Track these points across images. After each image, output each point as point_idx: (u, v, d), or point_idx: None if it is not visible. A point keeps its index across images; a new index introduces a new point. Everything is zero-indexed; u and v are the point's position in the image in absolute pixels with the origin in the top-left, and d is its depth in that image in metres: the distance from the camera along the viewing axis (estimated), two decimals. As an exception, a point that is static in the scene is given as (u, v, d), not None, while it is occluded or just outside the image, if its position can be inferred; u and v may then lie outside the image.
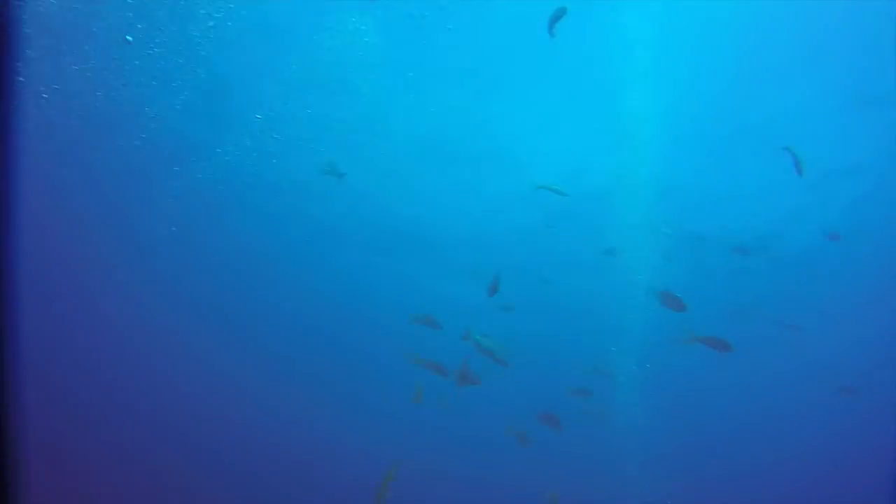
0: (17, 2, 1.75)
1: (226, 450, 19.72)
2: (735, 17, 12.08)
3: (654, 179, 15.49)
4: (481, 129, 15.93)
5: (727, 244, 15.28)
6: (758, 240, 15.52)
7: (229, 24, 13.71)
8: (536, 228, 17.44)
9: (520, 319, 17.70)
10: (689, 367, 18.22)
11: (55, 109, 15.14)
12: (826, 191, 14.66)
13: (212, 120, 15.60)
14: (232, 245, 20.11)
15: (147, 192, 17.83)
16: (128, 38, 13.55)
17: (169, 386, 20.86)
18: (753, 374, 18.07)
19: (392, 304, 20.41)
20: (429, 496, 18.94)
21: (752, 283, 16.92)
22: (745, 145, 14.45)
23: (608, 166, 15.61)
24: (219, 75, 14.53)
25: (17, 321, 1.65)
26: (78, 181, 17.36)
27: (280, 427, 20.97)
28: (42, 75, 13.87)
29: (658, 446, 19.88)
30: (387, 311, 20.73)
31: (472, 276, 18.08)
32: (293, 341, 22.21)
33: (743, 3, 11.95)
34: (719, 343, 9.87)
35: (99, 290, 19.97)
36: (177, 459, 18.32)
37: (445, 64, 14.59)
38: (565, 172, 15.39)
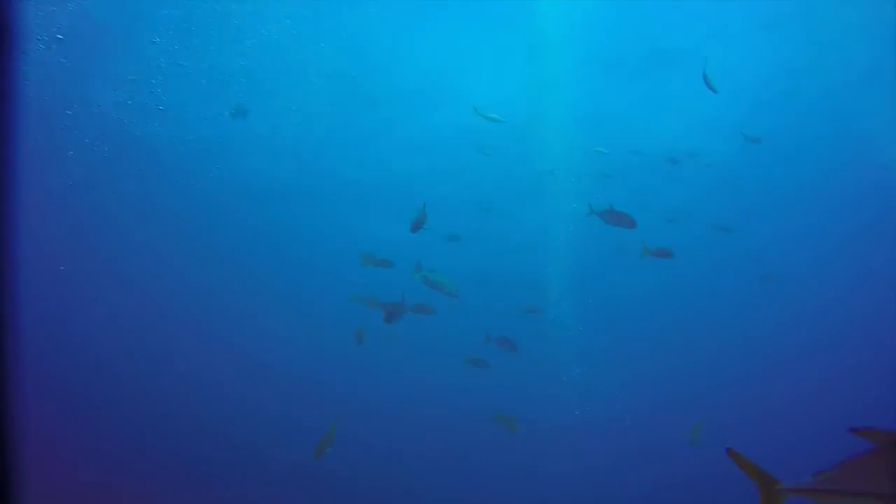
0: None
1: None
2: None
3: (580, 103, 15.78)
4: (400, 67, 15.62)
5: (659, 156, 15.89)
6: (686, 150, 16.22)
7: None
8: (470, 159, 17.50)
9: (466, 248, 18.00)
10: (632, 275, 19.18)
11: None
12: (743, 101, 15.40)
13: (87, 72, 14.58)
14: (159, 209, 19.35)
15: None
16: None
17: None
18: (689, 274, 19.20)
19: (334, 250, 20.27)
20: (382, 426, 19.46)
21: (684, 191, 17.80)
22: (664, 67, 14.91)
23: (535, 94, 15.72)
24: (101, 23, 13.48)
25: (17, 316, 1.60)
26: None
27: (241, 378, 20.95)
28: None
29: (605, 353, 21.06)
30: (329, 258, 20.61)
31: (412, 212, 18.02)
32: (238, 295, 21.91)
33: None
34: (665, 252, 10.39)
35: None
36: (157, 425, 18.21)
37: (350, 7, 14.07)
38: (493, 103, 15.36)
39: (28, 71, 13.86)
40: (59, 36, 13.80)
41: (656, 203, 17.20)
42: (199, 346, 21.24)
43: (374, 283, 15.22)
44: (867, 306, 18.84)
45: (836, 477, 2.63)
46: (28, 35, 13.04)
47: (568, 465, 18.42)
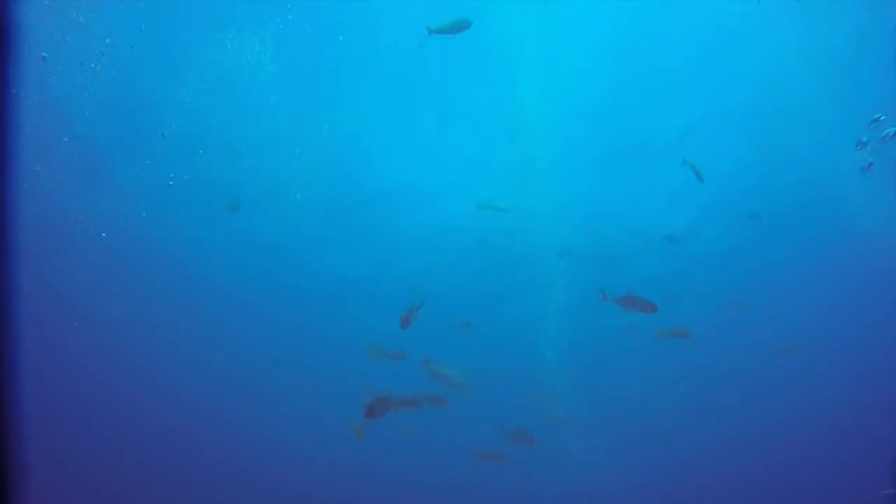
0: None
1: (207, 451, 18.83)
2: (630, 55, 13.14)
3: (574, 190, 16.16)
4: (392, 164, 16.06)
5: (659, 236, 16.12)
6: (687, 228, 16.53)
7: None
8: (471, 253, 17.67)
9: (476, 336, 17.86)
10: (647, 359, 18.89)
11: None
12: (740, 180, 15.83)
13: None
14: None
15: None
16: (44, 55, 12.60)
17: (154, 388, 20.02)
18: (705, 354, 18.93)
19: (340, 347, 20.04)
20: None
21: (690, 269, 17.93)
22: (662, 154, 15.40)
23: (530, 185, 16.10)
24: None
25: (16, 327, 1.55)
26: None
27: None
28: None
29: (624, 440, 20.43)
30: (335, 354, 20.34)
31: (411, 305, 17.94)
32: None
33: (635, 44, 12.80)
34: (681, 332, 10.23)
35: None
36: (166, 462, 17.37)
37: (343, 109, 14.59)
38: (490, 196, 15.69)
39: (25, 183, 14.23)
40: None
41: (659, 282, 17.24)
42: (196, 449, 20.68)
43: (381, 378, 14.96)
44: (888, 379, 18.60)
45: None
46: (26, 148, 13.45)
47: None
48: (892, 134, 11.29)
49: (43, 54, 12.09)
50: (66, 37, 12.18)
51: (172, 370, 20.67)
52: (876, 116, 11.45)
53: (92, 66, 12.78)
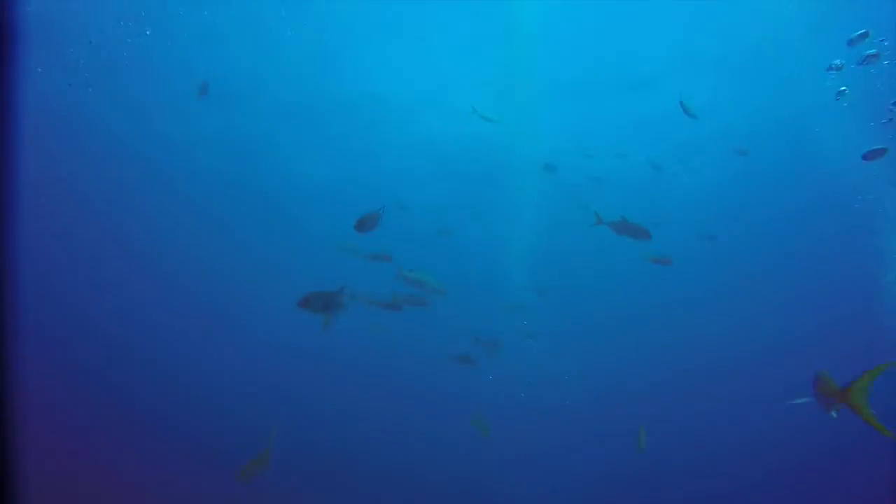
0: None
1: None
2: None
3: (561, 111, 15.92)
4: (372, 76, 15.50)
5: (643, 162, 16.09)
6: (673, 155, 16.46)
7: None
8: (453, 164, 17.55)
9: (457, 245, 18.04)
10: (620, 280, 19.34)
11: None
12: (722, 114, 15.60)
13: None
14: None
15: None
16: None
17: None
18: (678, 281, 19.41)
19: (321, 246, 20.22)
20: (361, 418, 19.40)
21: (672, 199, 18.07)
22: (648, 83, 15.15)
23: (517, 100, 15.81)
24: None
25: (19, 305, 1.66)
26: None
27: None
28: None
29: (591, 356, 21.26)
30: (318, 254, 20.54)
31: (398, 209, 18.07)
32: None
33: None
34: (665, 260, 10.45)
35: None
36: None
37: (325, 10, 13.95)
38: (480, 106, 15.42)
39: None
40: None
41: (641, 207, 17.41)
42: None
43: (356, 280, 15.19)
44: (840, 306, 19.35)
45: None
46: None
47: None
48: (871, 54, 10.52)
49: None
50: None
51: (135, 266, 20.84)
52: (860, 32, 10.72)
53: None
